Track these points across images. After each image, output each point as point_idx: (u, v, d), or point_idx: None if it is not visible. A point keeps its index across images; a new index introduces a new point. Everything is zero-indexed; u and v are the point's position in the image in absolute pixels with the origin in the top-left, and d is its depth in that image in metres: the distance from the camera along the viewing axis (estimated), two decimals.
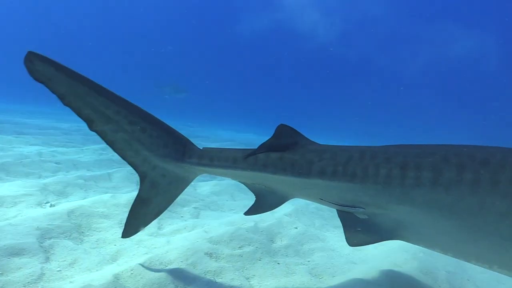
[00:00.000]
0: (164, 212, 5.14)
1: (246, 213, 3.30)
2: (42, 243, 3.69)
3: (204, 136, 18.05)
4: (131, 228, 3.31)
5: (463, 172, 2.39)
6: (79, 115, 2.97)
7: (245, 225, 4.69)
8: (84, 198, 5.38)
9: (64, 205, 4.75)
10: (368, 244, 2.86)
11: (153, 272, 3.31)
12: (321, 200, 2.95)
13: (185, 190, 6.21)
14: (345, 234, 2.91)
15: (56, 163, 7.43)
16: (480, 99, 54.41)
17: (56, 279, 3.19)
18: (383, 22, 57.11)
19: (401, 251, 4.52)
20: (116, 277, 3.14)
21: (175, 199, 3.42)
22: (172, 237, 4.36)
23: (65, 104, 2.90)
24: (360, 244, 2.89)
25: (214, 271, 3.54)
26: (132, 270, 3.29)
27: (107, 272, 3.29)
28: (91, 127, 3.04)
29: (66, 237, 3.98)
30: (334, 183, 2.79)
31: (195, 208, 5.60)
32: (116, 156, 8.50)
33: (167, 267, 3.46)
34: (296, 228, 5.03)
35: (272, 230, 4.77)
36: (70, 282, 3.17)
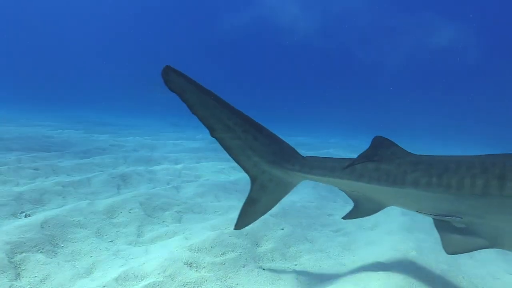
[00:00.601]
0: (145, 217, 5.01)
1: (344, 217, 3.54)
2: (12, 258, 3.48)
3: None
4: (242, 222, 3.70)
5: None
6: (204, 123, 3.31)
7: (228, 229, 4.47)
8: (61, 206, 5.15)
9: (39, 215, 4.53)
10: (466, 252, 2.93)
11: None
12: (418, 211, 3.06)
13: (168, 193, 6.04)
14: (442, 242, 3.01)
15: (34, 169, 7.17)
16: (462, 91, 54.56)
17: None
18: (364, 13, 56.88)
19: (392, 250, 4.34)
20: None
21: (280, 200, 3.72)
22: (151, 245, 4.15)
23: (193, 113, 3.22)
24: (458, 252, 2.97)
25: (194, 282, 3.33)
26: (105, 286, 3.08)
27: None
28: (212, 134, 3.38)
29: (39, 250, 3.76)
30: (428, 194, 2.85)
31: (177, 212, 5.37)
32: (96, 160, 8.29)
33: (142, 281, 3.23)
34: (282, 229, 4.83)
35: (256, 233, 4.57)
36: None
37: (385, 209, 5.70)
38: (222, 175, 8.55)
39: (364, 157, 3.24)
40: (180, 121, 24.44)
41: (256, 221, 4.89)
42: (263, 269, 3.81)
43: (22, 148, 9.51)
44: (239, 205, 6.09)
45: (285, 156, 3.52)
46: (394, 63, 52.33)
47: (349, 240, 4.92)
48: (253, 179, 3.62)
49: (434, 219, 3.00)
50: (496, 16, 53.48)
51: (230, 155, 3.54)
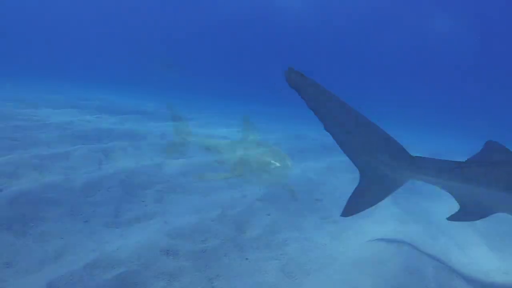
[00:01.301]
0: (125, 196, 4.74)
1: (449, 218, 3.53)
2: None
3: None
4: (348, 211, 3.82)
5: None
6: (318, 117, 3.47)
7: (211, 214, 4.22)
8: (36, 181, 4.85)
9: (10, 190, 4.24)
10: None
11: (96, 277, 2.84)
12: None
13: (150, 170, 5.77)
14: None
15: (13, 139, 6.85)
16: (457, 84, 54.30)
17: None
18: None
19: (385, 244, 4.08)
20: (50, 286, 2.67)
21: (387, 196, 3.78)
22: (128, 228, 3.88)
23: (309, 107, 3.41)
24: None
25: (170, 272, 3.07)
26: (71, 275, 2.81)
27: (44, 276, 2.82)
28: (326, 127, 3.52)
29: (6, 229, 3.50)
30: None
31: (158, 191, 5.08)
32: (80, 132, 7.92)
33: (114, 270, 2.96)
34: (268, 214, 4.58)
35: (241, 219, 4.31)
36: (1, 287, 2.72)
37: None
38: (210, 153, 8.25)
39: (474, 161, 3.19)
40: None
41: (242, 205, 4.71)
42: (247, 259, 3.57)
43: (3, 118, 9.13)
44: (226, 186, 5.87)
45: (394, 154, 3.55)
46: (388, 57, 52.08)
47: (339, 229, 4.68)
48: (362, 173, 3.75)
49: None
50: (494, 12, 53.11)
51: (341, 148, 3.69)
